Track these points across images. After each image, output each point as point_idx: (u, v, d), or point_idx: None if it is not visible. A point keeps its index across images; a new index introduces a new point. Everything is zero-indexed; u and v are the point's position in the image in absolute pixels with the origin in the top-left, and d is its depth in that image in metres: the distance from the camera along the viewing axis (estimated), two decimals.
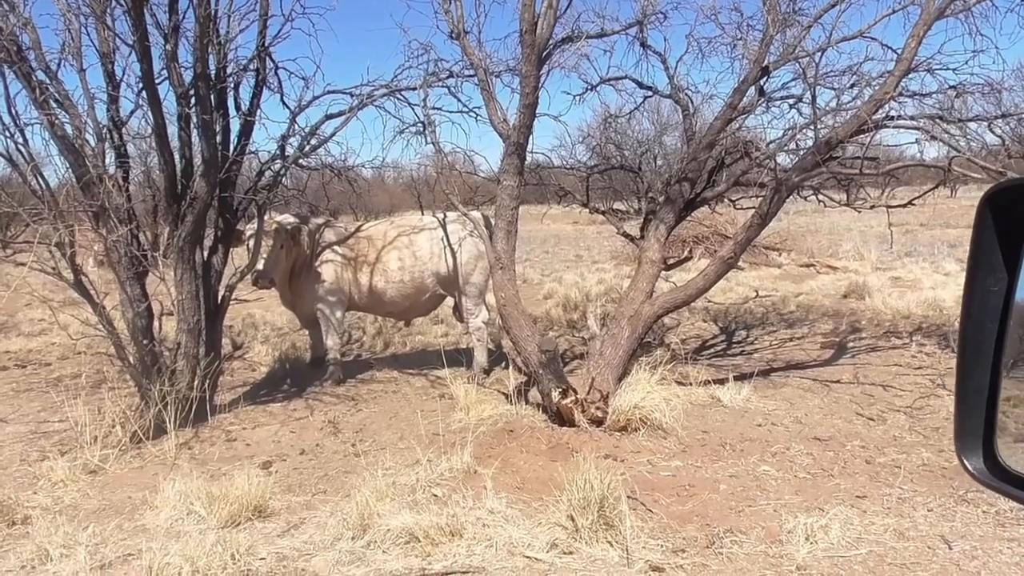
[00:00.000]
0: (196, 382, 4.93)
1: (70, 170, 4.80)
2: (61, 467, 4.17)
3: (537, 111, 5.07)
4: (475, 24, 5.21)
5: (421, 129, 5.70)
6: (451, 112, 5.87)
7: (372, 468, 3.95)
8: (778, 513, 3.41)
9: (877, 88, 5.00)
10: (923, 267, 12.15)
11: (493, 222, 5.26)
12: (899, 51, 4.95)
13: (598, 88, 6.12)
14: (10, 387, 6.47)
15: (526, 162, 5.32)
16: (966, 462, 1.05)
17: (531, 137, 5.15)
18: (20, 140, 4.62)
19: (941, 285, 9.98)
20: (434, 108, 5.63)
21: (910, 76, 5.02)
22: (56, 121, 4.62)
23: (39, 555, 3.14)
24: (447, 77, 5.67)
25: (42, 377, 6.81)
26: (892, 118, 5.07)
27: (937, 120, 5.05)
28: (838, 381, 5.76)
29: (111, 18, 4.81)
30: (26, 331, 9.02)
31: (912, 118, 5.08)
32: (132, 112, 5.13)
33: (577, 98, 6.25)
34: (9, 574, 3.04)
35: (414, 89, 5.63)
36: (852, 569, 2.90)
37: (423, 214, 6.60)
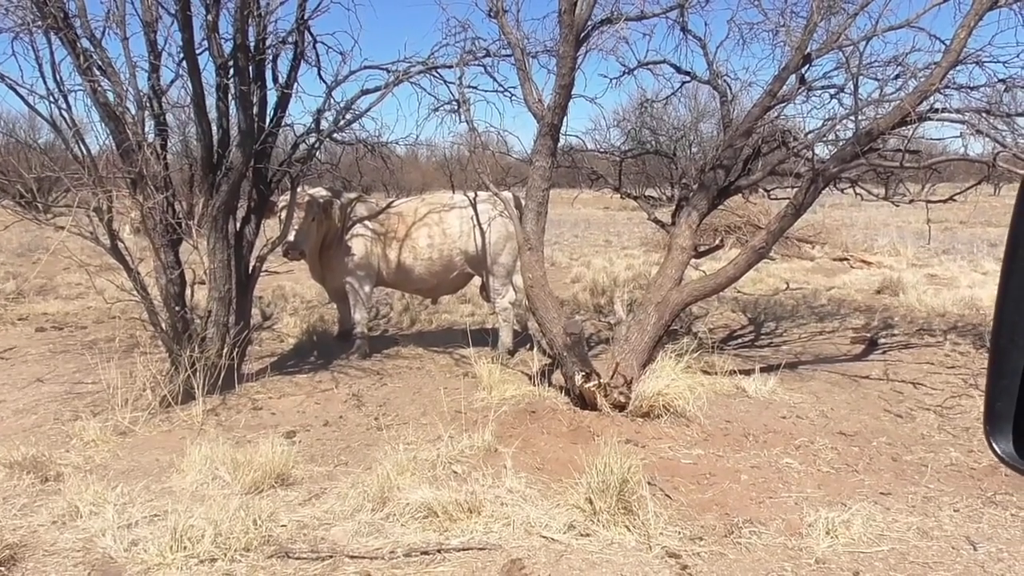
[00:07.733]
0: (225, 350, 5.03)
1: (110, 137, 4.89)
2: (93, 427, 4.29)
3: (572, 93, 5.03)
4: (514, 3, 5.19)
5: (456, 107, 5.67)
6: (486, 91, 5.86)
7: (394, 442, 4.00)
8: (799, 506, 3.39)
9: (922, 80, 4.86)
10: (961, 265, 11.87)
11: (524, 203, 5.25)
12: (948, 42, 4.81)
13: (635, 72, 6.04)
14: (47, 348, 6.65)
15: (559, 144, 5.28)
16: (995, 445, 1.03)
17: (565, 119, 5.12)
18: (64, 106, 4.71)
19: (979, 284, 9.74)
20: (470, 87, 5.61)
21: (958, 68, 4.87)
22: (99, 88, 4.71)
23: (70, 511, 3.24)
24: (484, 56, 5.64)
25: (77, 339, 6.98)
26: (937, 110, 4.93)
27: (984, 114, 4.90)
28: (867, 377, 5.67)
29: None
30: (64, 294, 9.27)
31: (958, 111, 4.93)
32: (172, 81, 5.20)
33: (614, 81, 6.18)
34: (41, 528, 3.15)
35: (450, 67, 5.61)
36: (873, 566, 2.87)
37: (454, 193, 6.60)
